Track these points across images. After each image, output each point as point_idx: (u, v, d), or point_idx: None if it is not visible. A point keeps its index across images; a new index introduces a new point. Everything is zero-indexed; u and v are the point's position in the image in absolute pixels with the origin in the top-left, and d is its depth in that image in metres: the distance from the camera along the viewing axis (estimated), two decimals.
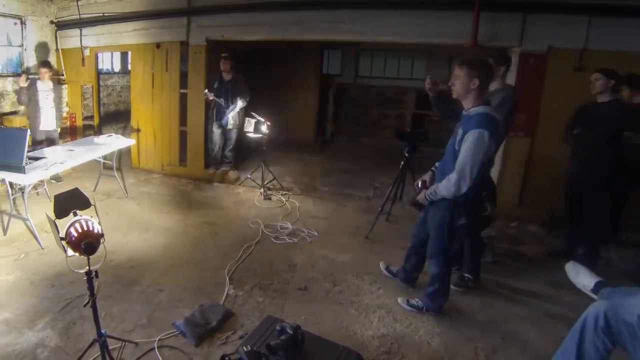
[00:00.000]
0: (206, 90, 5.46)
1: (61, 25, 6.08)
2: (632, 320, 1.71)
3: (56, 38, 6.14)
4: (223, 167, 5.96)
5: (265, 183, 5.29)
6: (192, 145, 5.80)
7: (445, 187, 2.48)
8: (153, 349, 2.37)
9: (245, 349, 1.88)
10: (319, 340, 2.20)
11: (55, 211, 1.94)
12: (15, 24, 5.68)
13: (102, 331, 2.02)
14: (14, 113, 5.63)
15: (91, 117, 6.70)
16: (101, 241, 1.88)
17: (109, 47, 6.25)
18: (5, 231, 3.73)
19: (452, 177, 2.44)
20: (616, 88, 3.26)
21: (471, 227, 2.98)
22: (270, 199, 5.06)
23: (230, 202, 4.99)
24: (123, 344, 2.28)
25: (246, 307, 2.85)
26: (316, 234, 4.09)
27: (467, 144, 2.37)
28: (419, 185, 2.86)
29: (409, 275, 3.16)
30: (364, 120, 8.74)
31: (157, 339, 2.44)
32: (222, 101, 5.56)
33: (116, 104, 8.02)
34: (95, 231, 1.87)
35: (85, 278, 1.87)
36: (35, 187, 4.56)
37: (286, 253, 3.70)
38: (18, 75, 5.37)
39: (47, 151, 4.25)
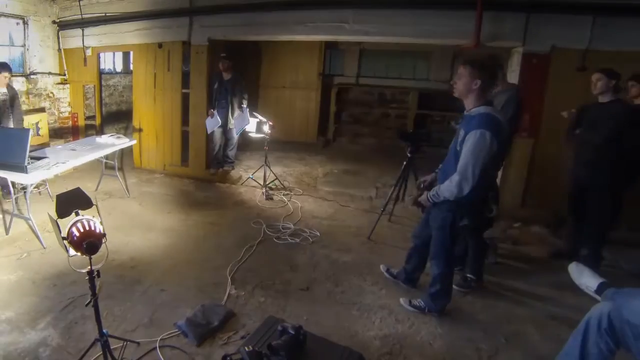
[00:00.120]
0: (212, 110, 5.54)
1: (63, 25, 6.09)
2: (637, 322, 1.70)
3: (58, 38, 6.16)
4: (225, 167, 5.97)
5: (267, 183, 5.30)
6: (193, 145, 5.81)
7: (447, 188, 2.47)
8: (155, 348, 2.36)
9: (246, 349, 1.88)
10: (321, 340, 2.20)
11: (57, 211, 1.93)
12: (17, 24, 5.70)
13: (104, 331, 2.02)
14: None
15: (93, 117, 6.71)
16: (103, 241, 1.88)
17: (111, 47, 6.26)
18: (7, 230, 3.74)
19: (454, 178, 2.42)
20: (618, 88, 3.25)
21: (474, 228, 2.98)
22: (272, 199, 5.06)
23: (232, 202, 4.99)
24: (125, 343, 2.28)
25: (248, 307, 2.84)
26: (318, 234, 4.08)
27: (469, 145, 2.36)
28: (422, 186, 2.85)
29: (410, 276, 3.14)
30: (366, 120, 8.72)
31: (159, 338, 2.43)
32: (222, 103, 5.59)
33: (118, 104, 8.03)
34: (97, 231, 1.87)
35: (87, 278, 1.87)
36: (37, 186, 4.56)
37: (288, 253, 3.69)
38: (22, 75, 5.36)
39: (50, 151, 4.25)
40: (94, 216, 1.92)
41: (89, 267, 1.85)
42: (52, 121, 6.22)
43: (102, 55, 6.64)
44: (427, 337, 2.63)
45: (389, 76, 8.77)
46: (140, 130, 6.00)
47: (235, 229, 4.14)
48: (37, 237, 3.59)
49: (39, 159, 3.77)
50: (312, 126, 8.45)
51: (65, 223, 1.87)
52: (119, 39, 5.89)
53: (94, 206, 2.04)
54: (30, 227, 3.73)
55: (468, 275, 3.18)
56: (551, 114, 4.17)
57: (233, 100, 5.61)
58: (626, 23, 3.87)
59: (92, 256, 1.82)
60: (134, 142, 5.40)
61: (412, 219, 4.38)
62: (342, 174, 6.22)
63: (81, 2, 5.74)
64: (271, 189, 5.33)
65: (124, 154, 5.41)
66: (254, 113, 5.57)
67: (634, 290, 1.88)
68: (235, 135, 5.84)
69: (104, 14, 5.78)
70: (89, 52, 6.10)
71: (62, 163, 3.83)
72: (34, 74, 5.90)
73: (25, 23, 5.74)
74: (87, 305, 1.91)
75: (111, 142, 4.74)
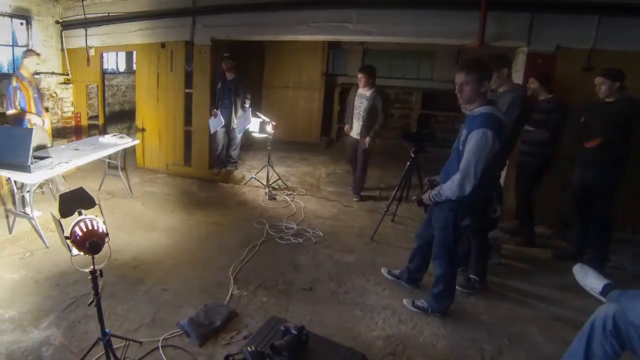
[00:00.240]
0: (215, 110, 5.54)
1: (66, 25, 6.10)
2: None
3: (61, 38, 6.17)
4: (228, 167, 5.97)
5: (270, 183, 5.29)
6: (196, 145, 5.81)
7: (449, 187, 2.47)
8: (157, 348, 2.36)
9: (249, 349, 1.88)
10: (324, 341, 2.19)
11: (60, 210, 1.93)
12: (21, 23, 5.71)
13: (107, 330, 2.02)
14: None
15: (96, 117, 6.72)
16: (106, 240, 1.88)
17: (114, 47, 6.27)
18: (10, 230, 3.75)
19: (456, 177, 2.43)
20: (623, 88, 3.22)
21: (478, 228, 2.97)
22: (275, 199, 5.06)
23: (234, 202, 4.99)
24: (127, 343, 2.28)
25: (250, 307, 2.84)
26: (321, 234, 4.08)
27: (471, 144, 2.37)
28: (426, 185, 2.85)
29: (413, 276, 3.14)
30: None
31: (161, 338, 2.43)
32: (225, 103, 5.59)
33: (121, 104, 8.05)
34: (100, 230, 1.87)
35: (89, 277, 1.87)
36: (40, 186, 4.58)
37: (291, 253, 3.68)
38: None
39: (53, 150, 4.26)
40: (96, 216, 1.92)
41: (92, 266, 1.85)
42: (55, 121, 6.22)
43: (105, 55, 6.65)
44: (430, 337, 2.62)
45: (393, 76, 8.76)
46: (143, 130, 6.01)
47: (238, 229, 4.14)
48: (40, 236, 3.59)
49: (42, 158, 3.78)
50: (315, 126, 8.45)
51: (68, 222, 1.87)
52: (122, 38, 5.90)
53: (97, 206, 2.04)
54: (33, 226, 3.74)
55: (471, 276, 3.17)
56: None
57: (236, 100, 5.61)
58: (632, 22, 3.83)
59: (94, 256, 1.82)
60: (136, 142, 5.39)
61: (415, 219, 4.37)
62: (345, 174, 6.20)
63: (84, 2, 5.76)
64: (274, 189, 5.32)
65: (127, 154, 5.43)
66: (257, 113, 5.57)
67: (639, 292, 1.87)
68: (238, 135, 5.84)
69: (107, 14, 5.79)
70: (92, 52, 6.11)
71: (65, 163, 3.83)
72: (37, 73, 5.90)
73: (28, 23, 5.75)
74: (89, 304, 1.91)
75: (114, 142, 4.75)
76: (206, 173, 5.78)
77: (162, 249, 3.65)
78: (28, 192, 3.68)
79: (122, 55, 8.20)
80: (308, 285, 3.15)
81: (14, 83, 4.11)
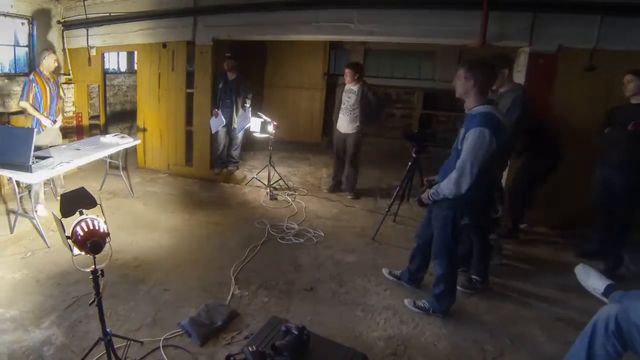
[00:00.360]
0: (216, 110, 5.55)
1: (68, 25, 6.10)
2: None
3: (63, 38, 6.17)
4: (229, 166, 5.97)
5: (271, 183, 5.29)
6: (198, 145, 5.81)
7: (446, 186, 2.50)
8: (158, 348, 2.36)
9: (250, 349, 1.87)
10: (325, 341, 2.19)
11: (61, 210, 1.93)
12: (22, 23, 5.71)
13: (108, 330, 2.01)
14: (21, 113, 5.65)
15: (97, 117, 6.72)
16: (107, 240, 1.88)
17: (115, 46, 6.26)
18: (12, 229, 3.75)
19: (452, 175, 2.45)
20: None
21: (479, 228, 2.96)
22: (276, 199, 5.05)
23: (236, 202, 4.98)
24: (128, 343, 2.27)
25: (251, 307, 2.84)
26: (322, 234, 4.07)
27: (468, 142, 2.39)
28: (425, 185, 2.85)
29: (414, 276, 3.13)
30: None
31: (162, 338, 2.43)
32: (226, 103, 5.59)
33: (122, 104, 8.05)
34: (101, 230, 1.86)
35: (91, 277, 1.87)
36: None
37: (292, 253, 3.68)
38: (26, 75, 5.37)
39: (54, 150, 4.27)
40: (98, 215, 1.92)
41: (93, 266, 1.85)
42: None
43: (106, 55, 6.65)
44: (432, 338, 2.61)
45: (394, 76, 8.77)
46: (144, 130, 6.01)
47: (239, 229, 4.13)
48: (42, 236, 3.59)
49: (43, 158, 3.78)
50: (316, 126, 8.45)
51: (70, 222, 1.87)
52: (123, 38, 5.90)
53: (98, 205, 2.04)
54: (34, 226, 3.74)
55: (473, 276, 3.16)
56: (558, 115, 4.14)
57: (238, 100, 5.61)
58: (634, 22, 3.82)
59: (96, 255, 1.82)
60: (138, 141, 5.39)
61: (417, 220, 4.35)
62: None
63: (86, 2, 5.75)
64: (275, 189, 5.32)
65: (128, 154, 5.42)
66: (259, 113, 5.57)
67: None
68: (239, 135, 5.84)
69: (108, 14, 5.79)
70: (93, 52, 6.10)
71: (66, 162, 3.83)
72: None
73: (30, 23, 5.75)
74: (91, 304, 1.91)
75: (115, 142, 4.75)
76: (207, 173, 5.78)
77: (163, 249, 3.65)
78: (38, 189, 3.69)
79: (123, 55, 8.20)
80: (309, 286, 3.15)
81: (31, 77, 4.30)
